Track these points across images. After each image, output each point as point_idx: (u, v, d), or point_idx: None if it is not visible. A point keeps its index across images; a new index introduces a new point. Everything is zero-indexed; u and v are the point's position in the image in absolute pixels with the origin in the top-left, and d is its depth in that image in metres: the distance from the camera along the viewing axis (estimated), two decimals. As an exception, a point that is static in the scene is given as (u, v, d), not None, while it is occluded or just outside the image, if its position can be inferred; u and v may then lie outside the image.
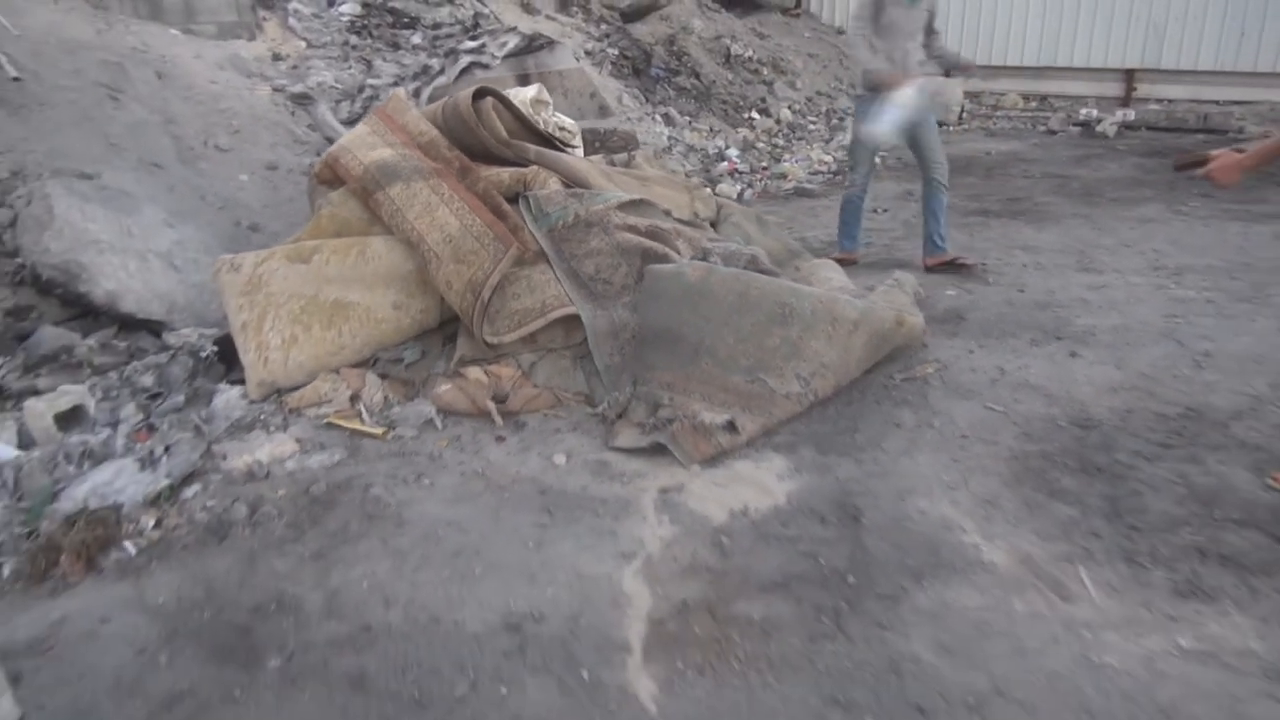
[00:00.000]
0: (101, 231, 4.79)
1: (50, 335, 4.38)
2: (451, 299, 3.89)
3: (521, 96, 5.68)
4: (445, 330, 4.25)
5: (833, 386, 3.77)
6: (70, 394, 3.91)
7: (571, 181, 4.60)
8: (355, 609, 2.64)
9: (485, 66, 7.18)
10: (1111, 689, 2.23)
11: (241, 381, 4.01)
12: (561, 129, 5.74)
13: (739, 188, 8.12)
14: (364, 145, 4.33)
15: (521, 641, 2.49)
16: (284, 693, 2.33)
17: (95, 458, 3.47)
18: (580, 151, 5.77)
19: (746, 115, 10.86)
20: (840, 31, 13.73)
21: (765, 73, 11.78)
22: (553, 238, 4.26)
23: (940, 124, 11.70)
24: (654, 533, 2.97)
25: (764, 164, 9.16)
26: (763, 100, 11.36)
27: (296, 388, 3.92)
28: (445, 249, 3.87)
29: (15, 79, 5.61)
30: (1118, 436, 3.49)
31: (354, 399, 3.87)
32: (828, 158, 9.57)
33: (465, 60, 7.15)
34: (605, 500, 3.17)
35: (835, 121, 11.45)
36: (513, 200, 4.40)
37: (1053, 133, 11.32)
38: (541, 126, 5.49)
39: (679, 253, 4.24)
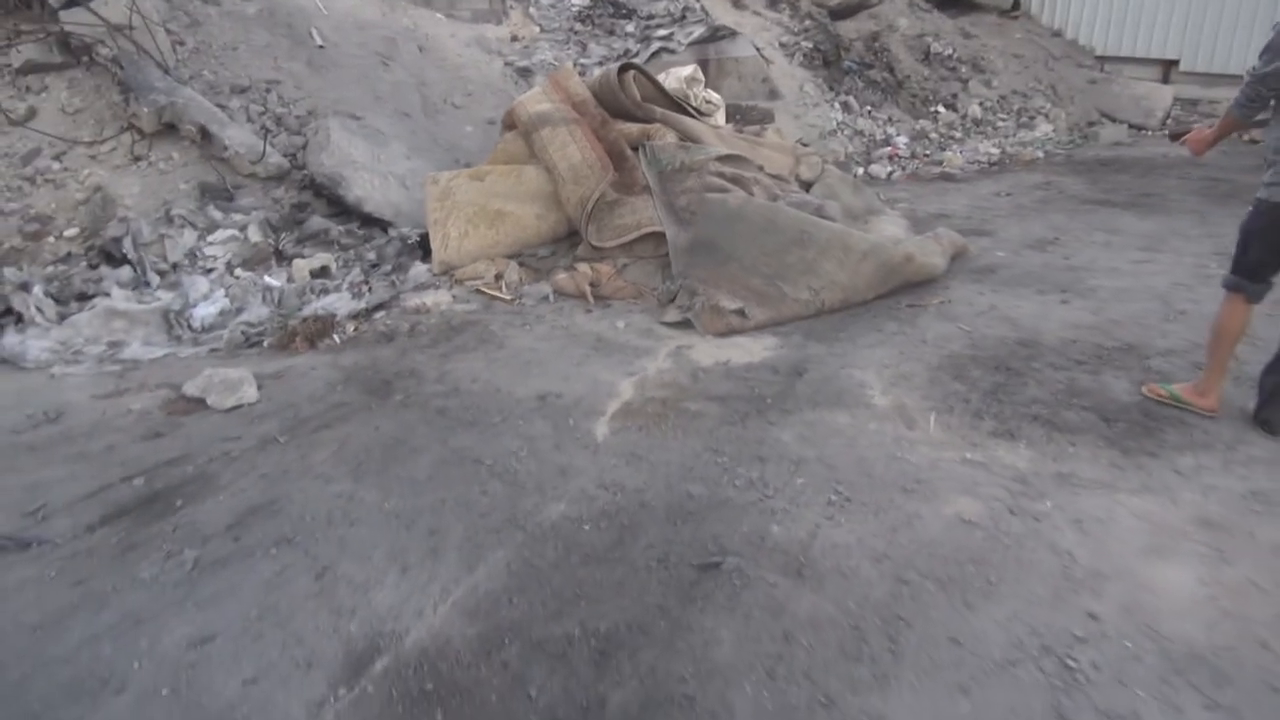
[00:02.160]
0: (359, 156, 6.72)
1: (316, 222, 6.34)
2: (570, 210, 5.41)
3: (679, 74, 7.10)
4: (572, 239, 5.76)
5: (840, 301, 4.92)
6: (322, 258, 5.79)
7: (686, 138, 5.97)
8: (453, 380, 4.21)
9: (672, 51, 8.64)
10: (893, 467, 3.36)
11: (428, 260, 5.72)
12: (708, 101, 7.09)
13: (890, 169, 9.08)
14: (533, 100, 5.92)
15: (543, 405, 3.94)
16: (398, 411, 3.92)
17: (328, 291, 5.29)
18: (721, 118, 7.10)
19: (932, 109, 11.63)
20: (1056, 34, 13.98)
21: (962, 70, 12.42)
22: (660, 177, 5.65)
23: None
24: (656, 366, 4.33)
25: (927, 152, 9.99)
26: (954, 96, 12.05)
27: (462, 267, 5.57)
28: (569, 174, 5.38)
29: (320, 46, 7.74)
30: (1046, 353, 4.42)
31: (498, 277, 5.47)
32: (995, 151, 10.24)
33: (656, 45, 8.65)
34: (636, 348, 4.57)
35: (1024, 120, 11.92)
36: (638, 149, 5.83)
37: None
38: (693, 100, 6.90)
39: (751, 194, 5.51)
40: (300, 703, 2.22)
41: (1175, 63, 13.20)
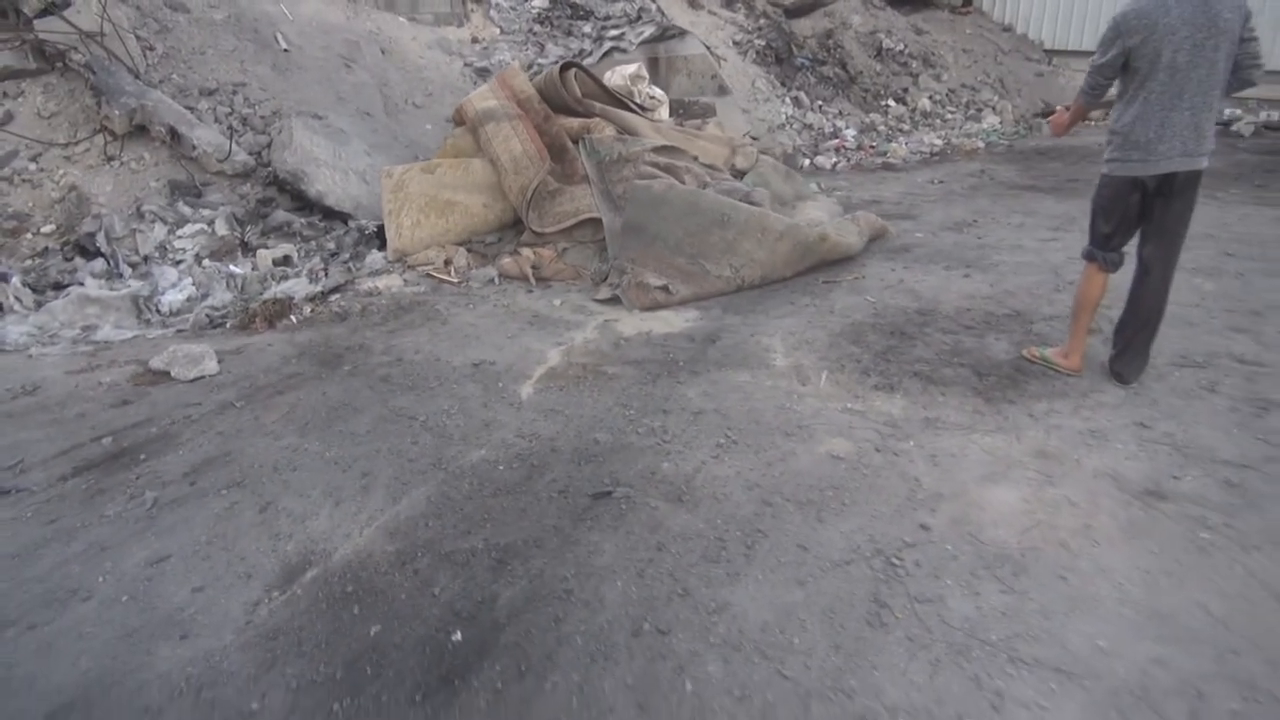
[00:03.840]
0: (321, 153, 7.11)
1: (280, 215, 6.73)
2: (512, 199, 5.83)
3: (624, 72, 7.52)
4: (518, 227, 6.18)
5: (759, 277, 5.35)
6: (284, 249, 6.19)
7: (624, 131, 6.39)
8: (397, 353, 4.62)
9: (623, 50, 9.06)
10: (780, 416, 3.78)
11: (385, 249, 6.13)
12: (651, 97, 7.51)
13: (835, 160, 9.53)
14: (480, 98, 6.34)
15: (476, 371, 4.36)
16: (346, 379, 4.33)
17: (288, 278, 5.69)
18: (664, 113, 7.53)
19: (883, 103, 12.10)
20: (1006, 29, 14.47)
21: (913, 65, 12.90)
22: (599, 168, 6.07)
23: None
24: (584, 337, 4.75)
25: (873, 144, 10.45)
26: (905, 90, 12.53)
27: (415, 253, 5.98)
28: (511, 165, 5.80)
29: (285, 50, 8.13)
30: (939, 320, 4.87)
31: (447, 263, 5.88)
32: (939, 142, 10.70)
33: (608, 45, 9.07)
34: (568, 322, 4.99)
35: (972, 112, 12.40)
36: (579, 142, 6.25)
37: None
38: (636, 96, 7.32)
39: (683, 181, 5.93)
40: (240, 604, 2.63)
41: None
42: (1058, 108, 4.34)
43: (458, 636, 2.45)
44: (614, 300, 5.20)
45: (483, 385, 4.17)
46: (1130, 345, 4.04)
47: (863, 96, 12.11)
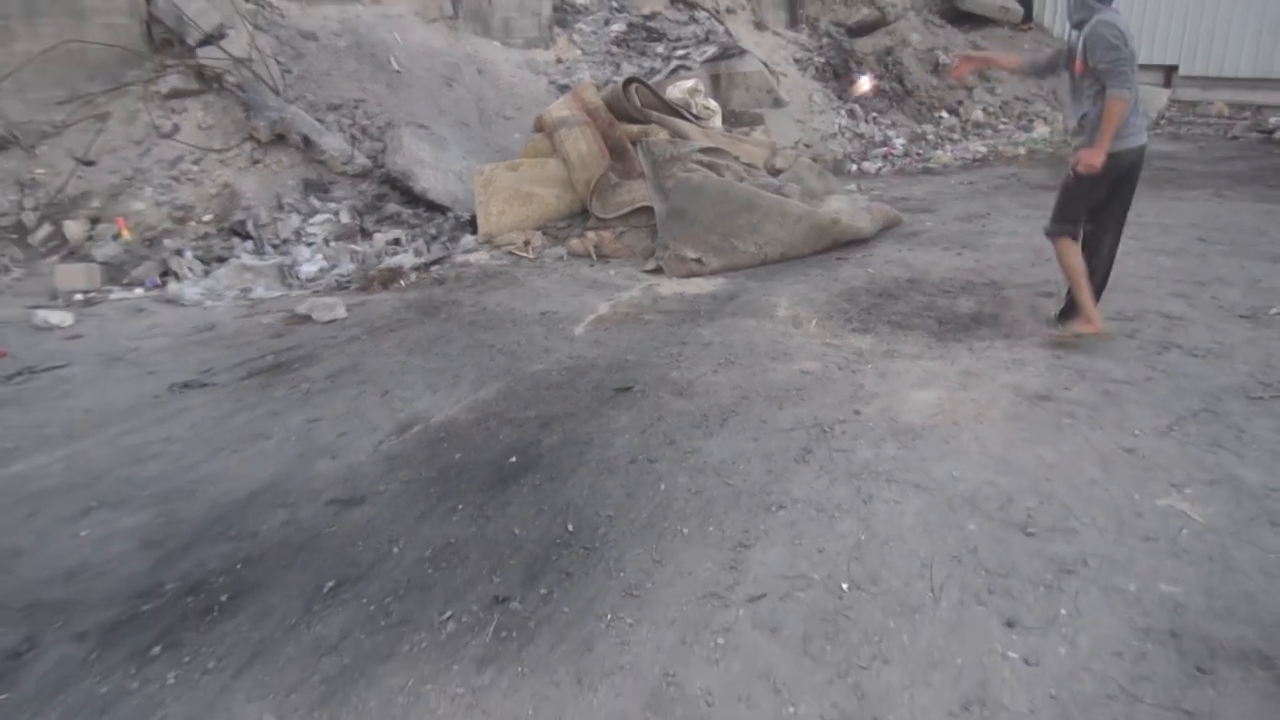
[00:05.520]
0: (426, 156, 8.50)
1: (392, 207, 8.12)
2: (579, 190, 7.07)
3: (683, 86, 8.72)
4: (585, 214, 7.42)
5: (780, 253, 6.46)
6: (394, 233, 7.56)
7: (676, 135, 7.58)
8: (482, 305, 5.87)
9: (688, 68, 10.27)
10: (771, 347, 4.88)
11: (475, 233, 7.45)
12: (705, 108, 8.69)
13: (880, 165, 10.53)
14: (556, 108, 7.62)
15: (543, 318, 5.58)
16: (442, 323, 5.60)
17: (397, 254, 7.05)
18: (717, 122, 8.69)
19: (937, 114, 13.01)
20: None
21: (968, 79, 13.75)
22: (654, 165, 7.27)
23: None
24: (629, 295, 5.94)
25: (919, 150, 11.40)
26: (959, 103, 13.41)
27: (500, 236, 7.28)
28: (578, 162, 7.05)
29: (397, 71, 9.60)
30: (923, 286, 5.90)
31: (526, 243, 7.15)
32: (983, 149, 11.59)
33: (674, 64, 10.29)
34: (619, 286, 6.18)
35: (1023, 123, 13.20)
36: (637, 144, 7.47)
37: (1234, 138, 12.29)
38: (693, 107, 8.52)
39: (722, 176, 7.09)
40: (369, 442, 3.89)
41: (1175, 68, 14.30)
42: (1079, 157, 4.47)
43: (513, 460, 3.66)
44: (658, 270, 6.38)
45: (546, 326, 5.39)
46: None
47: (917, 109, 13.03)
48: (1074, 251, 4.65)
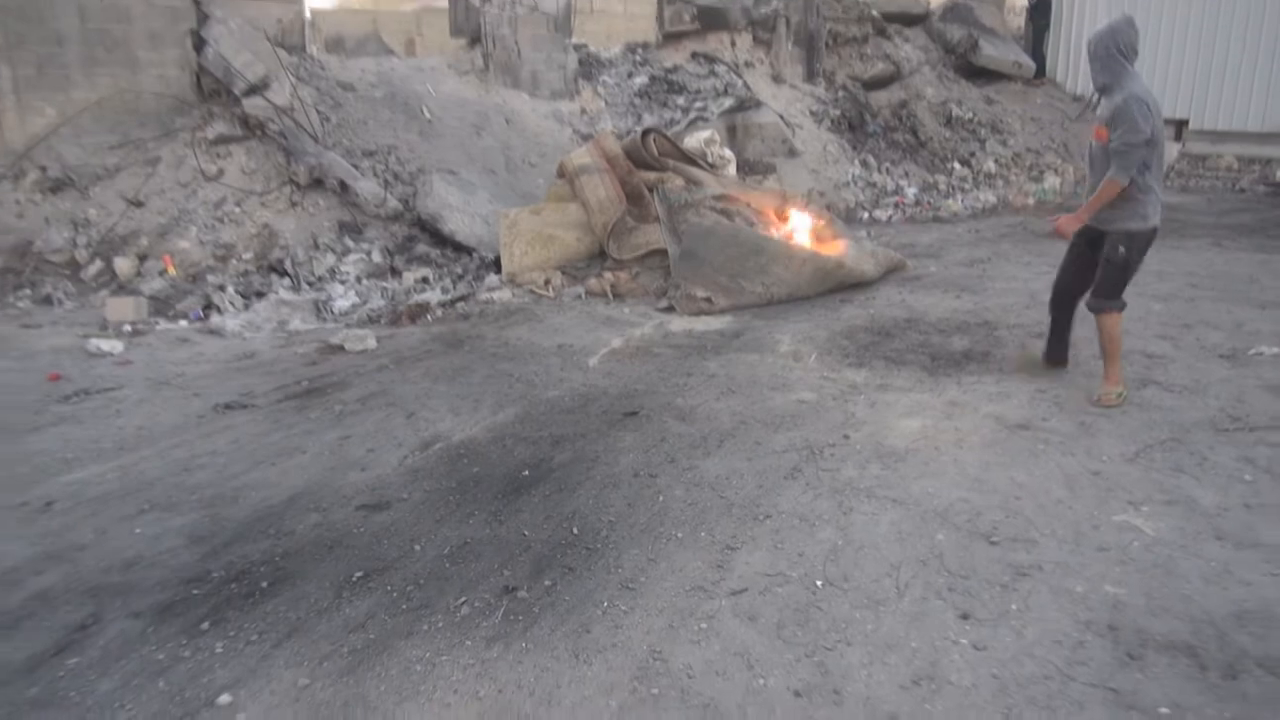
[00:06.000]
0: (454, 201, 8.98)
1: (421, 248, 8.58)
2: (597, 233, 7.48)
3: (700, 136, 9.17)
4: (602, 257, 7.83)
5: (786, 294, 6.82)
6: (423, 271, 8.01)
7: (691, 182, 8.00)
8: (504, 339, 6.26)
9: (706, 119, 10.74)
10: (772, 379, 5.22)
11: (499, 272, 7.87)
12: (721, 157, 9.12)
13: (891, 213, 10.91)
14: (578, 156, 8.07)
15: (559, 350, 5.95)
16: (466, 354, 5.99)
17: (424, 291, 7.47)
18: (731, 170, 9.12)
19: (949, 165, 13.40)
20: (1077, 99, 15.58)
21: (981, 132, 14.17)
22: (669, 210, 7.68)
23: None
24: (641, 331, 6.31)
25: (930, 199, 11.77)
26: (971, 154, 13.80)
27: (522, 275, 7.69)
28: (597, 206, 7.47)
29: (428, 120, 10.13)
30: (921, 325, 6.22)
31: (547, 282, 7.56)
32: (993, 199, 11.94)
33: (693, 115, 10.77)
34: (632, 322, 6.56)
35: (1034, 174, 13.55)
36: (654, 190, 7.90)
37: (1242, 191, 12.57)
38: (709, 156, 8.95)
39: (732, 221, 7.48)
40: (395, 457, 4.24)
41: (1185, 122, 14.65)
42: (1058, 219, 4.91)
43: (525, 473, 4.00)
44: (670, 308, 6.75)
45: (562, 358, 5.76)
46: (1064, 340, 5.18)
47: (930, 160, 13.43)
48: (1120, 322, 4.69)
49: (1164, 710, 2.40)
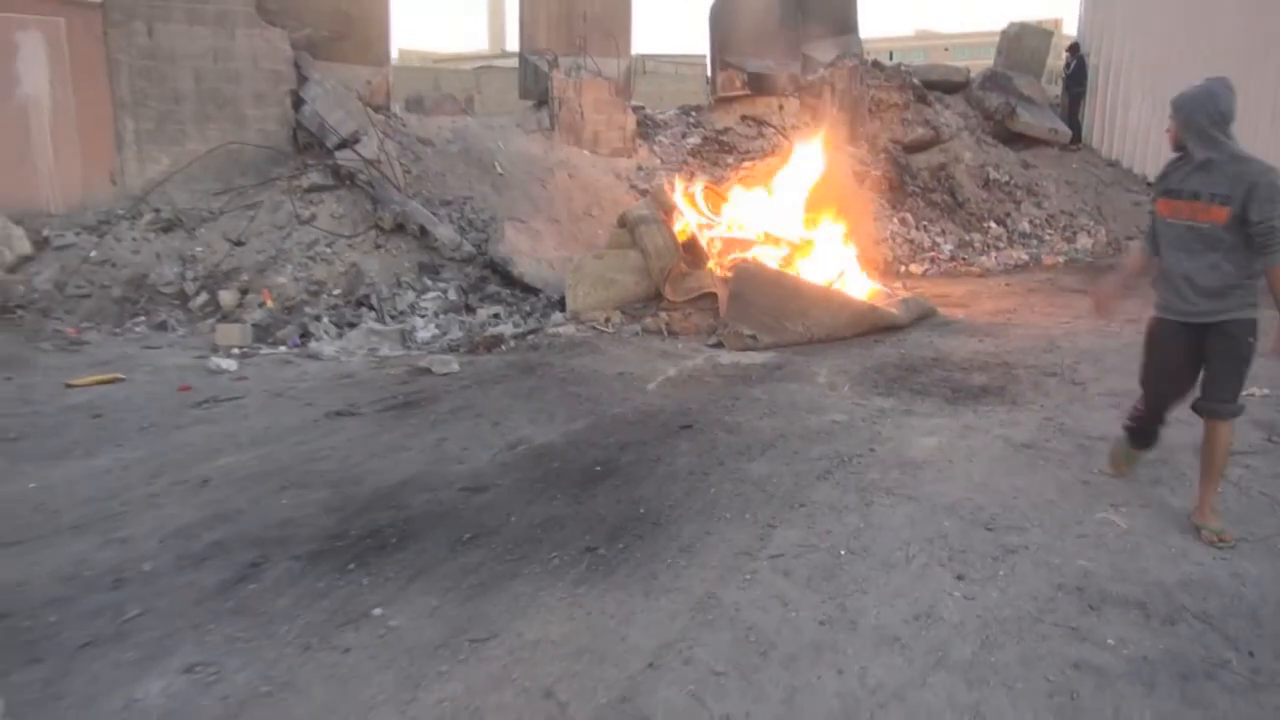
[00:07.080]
0: (523, 246, 9.88)
1: (492, 288, 9.47)
2: (654, 277, 8.30)
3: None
4: (658, 298, 8.64)
5: (825, 334, 7.56)
6: (495, 309, 8.88)
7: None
8: (571, 367, 7.05)
9: (754, 177, 11.59)
10: (809, 403, 5.94)
11: (564, 310, 8.71)
12: (767, 212, 9.93)
13: (927, 268, 11.63)
14: (637, 207, 8.93)
15: (620, 377, 6.72)
16: (538, 379, 6.79)
17: (497, 325, 8.33)
18: (776, 225, 9.91)
19: (985, 224, 14.10)
20: (1111, 164, 16.23)
21: (1017, 194, 14.86)
22: (718, 258, 8.49)
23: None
24: (693, 363, 7.08)
25: (964, 255, 12.48)
26: (1007, 215, 14.49)
27: (585, 313, 8.52)
28: (654, 252, 8.31)
29: (500, 174, 11.11)
30: (945, 363, 6.92)
31: (607, 320, 8.37)
32: (1025, 256, 12.61)
33: (742, 173, 11.63)
34: (685, 356, 7.33)
35: (1068, 234, 14.19)
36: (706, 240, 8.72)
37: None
38: (756, 210, 9.78)
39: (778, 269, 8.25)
40: (487, 454, 5.03)
41: (1216, 188, 15.13)
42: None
43: (598, 468, 4.76)
44: (719, 344, 7.52)
45: (623, 383, 6.54)
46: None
47: (967, 219, 14.14)
48: (1231, 431, 4.01)
49: (1110, 641, 3.06)
